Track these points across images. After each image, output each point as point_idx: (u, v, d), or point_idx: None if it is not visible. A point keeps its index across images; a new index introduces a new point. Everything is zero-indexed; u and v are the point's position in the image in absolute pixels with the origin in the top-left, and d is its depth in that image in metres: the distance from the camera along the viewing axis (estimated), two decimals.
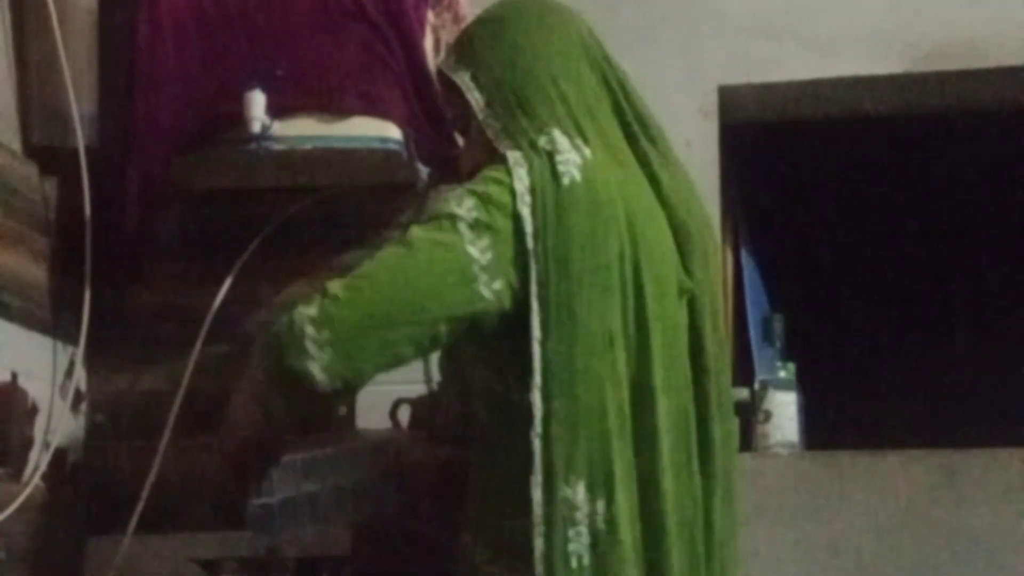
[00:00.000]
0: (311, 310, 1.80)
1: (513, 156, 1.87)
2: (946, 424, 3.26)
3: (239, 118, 2.29)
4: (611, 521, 1.80)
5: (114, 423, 2.59)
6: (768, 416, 2.59)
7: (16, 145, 2.42)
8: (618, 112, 1.97)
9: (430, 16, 2.49)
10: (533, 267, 1.81)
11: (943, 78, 2.61)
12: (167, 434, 2.45)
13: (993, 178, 3.62)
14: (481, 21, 2.03)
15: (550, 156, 1.86)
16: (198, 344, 2.48)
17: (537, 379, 1.81)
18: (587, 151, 1.89)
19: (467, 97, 1.95)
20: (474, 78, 1.95)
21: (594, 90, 1.96)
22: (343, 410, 2.54)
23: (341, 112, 2.33)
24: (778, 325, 2.75)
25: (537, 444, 1.80)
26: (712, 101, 2.61)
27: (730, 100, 2.64)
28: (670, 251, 1.93)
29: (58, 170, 2.48)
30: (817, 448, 2.63)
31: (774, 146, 2.99)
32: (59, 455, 2.46)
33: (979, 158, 3.51)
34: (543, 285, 1.81)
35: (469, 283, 1.81)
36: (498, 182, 1.85)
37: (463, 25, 2.55)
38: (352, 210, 2.58)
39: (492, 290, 1.81)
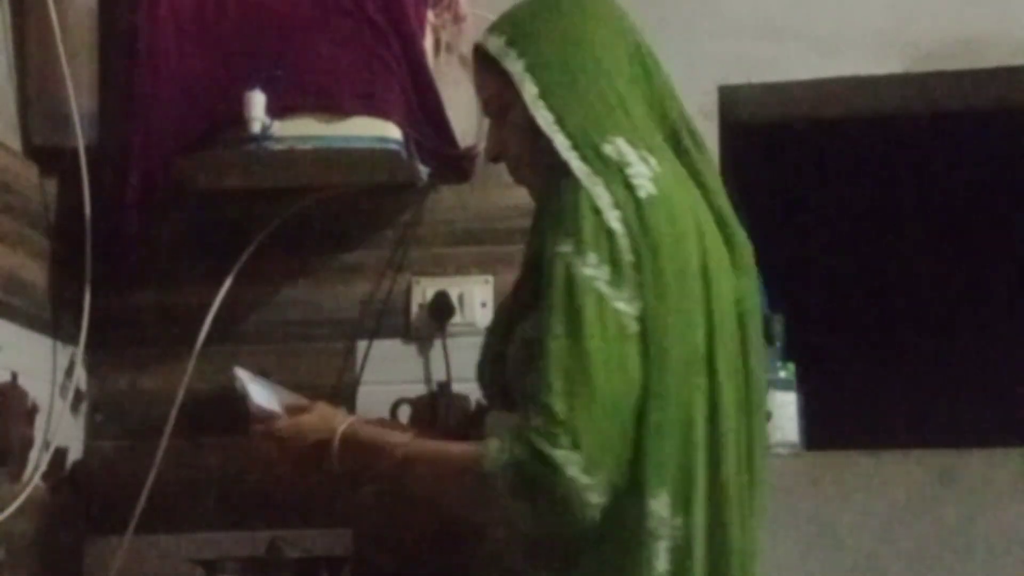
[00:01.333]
0: (569, 455, 1.71)
1: (582, 171, 1.82)
2: (946, 424, 3.26)
3: (239, 118, 2.28)
4: (688, 537, 1.76)
5: (114, 423, 2.59)
6: (768, 416, 2.58)
7: (16, 145, 2.42)
8: (665, 118, 1.94)
9: (430, 16, 2.49)
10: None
11: (943, 78, 2.61)
12: (167, 434, 2.45)
13: (993, 178, 3.62)
14: (537, 5, 1.97)
15: (620, 169, 1.82)
16: (198, 344, 2.48)
17: None
18: (654, 162, 1.85)
19: (516, 85, 1.89)
20: (529, 68, 1.90)
21: (646, 95, 1.92)
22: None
23: (341, 112, 2.33)
24: (778, 325, 2.75)
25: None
26: (712, 101, 2.60)
27: (730, 100, 2.64)
28: (727, 263, 1.90)
29: (58, 170, 2.48)
30: (817, 448, 2.63)
31: (774, 146, 2.99)
32: (59, 455, 2.46)
33: (979, 158, 3.51)
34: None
35: (636, 353, 1.77)
36: (585, 213, 1.79)
37: (463, 25, 2.55)
38: (352, 210, 2.58)
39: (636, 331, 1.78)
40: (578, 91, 1.88)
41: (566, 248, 1.78)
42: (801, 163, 3.48)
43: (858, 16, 2.60)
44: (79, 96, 2.42)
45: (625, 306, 1.77)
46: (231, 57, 2.33)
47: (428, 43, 2.46)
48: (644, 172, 1.83)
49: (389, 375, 2.52)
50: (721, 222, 1.93)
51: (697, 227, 1.85)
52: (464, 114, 2.51)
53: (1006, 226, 3.71)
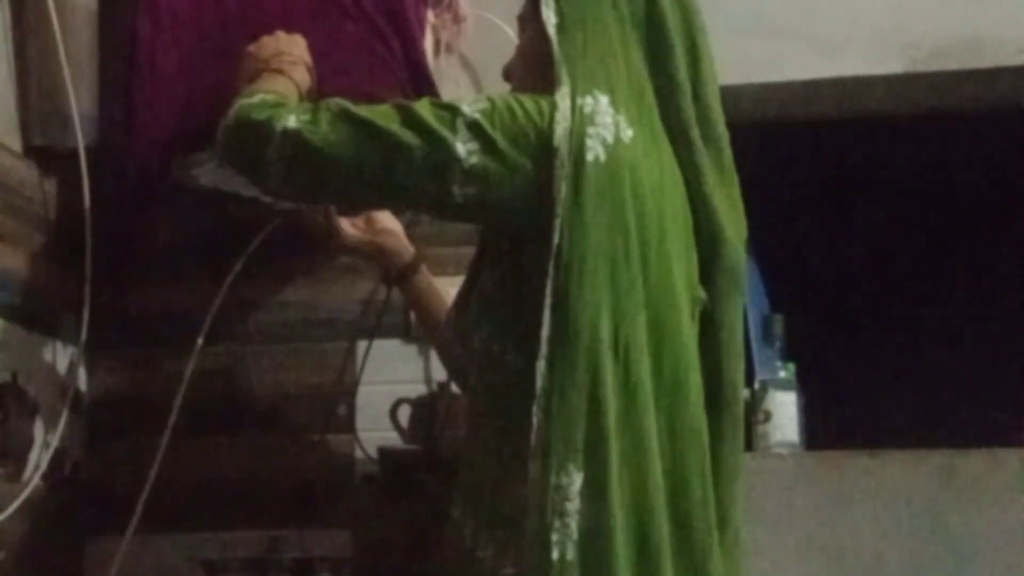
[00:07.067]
0: (291, 121, 1.84)
1: (564, 104, 1.78)
2: (946, 424, 3.27)
3: None
4: (605, 526, 1.71)
5: (114, 423, 2.59)
6: (768, 416, 2.59)
7: (16, 145, 2.42)
8: (676, 96, 1.91)
9: (430, 16, 2.49)
10: (555, 230, 1.75)
11: (943, 78, 2.62)
12: (167, 434, 2.45)
13: (993, 178, 3.62)
14: None
15: (582, 122, 1.78)
16: (198, 344, 2.48)
17: (544, 348, 1.74)
18: (628, 132, 1.81)
19: (540, 6, 1.87)
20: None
21: (667, 69, 1.91)
22: (343, 410, 2.55)
23: None
24: (778, 325, 2.75)
25: (538, 416, 1.72)
26: None
27: (730, 100, 2.63)
28: (685, 259, 1.87)
29: (58, 170, 2.48)
30: (817, 448, 2.63)
31: (774, 146, 2.98)
32: (59, 455, 2.46)
33: (979, 158, 3.52)
34: (559, 251, 1.75)
35: (444, 179, 1.78)
36: (530, 114, 1.79)
37: (463, 25, 2.55)
38: None
39: (463, 193, 1.78)
40: (587, 33, 1.86)
41: (487, 94, 1.84)
42: (801, 163, 3.48)
43: (858, 16, 2.60)
44: (79, 96, 2.42)
45: (462, 150, 1.78)
46: (231, 57, 2.33)
47: (428, 43, 2.46)
48: (606, 136, 1.79)
49: (389, 375, 2.52)
50: (710, 220, 1.91)
51: (638, 209, 1.80)
52: None
53: (1006, 226, 3.71)
